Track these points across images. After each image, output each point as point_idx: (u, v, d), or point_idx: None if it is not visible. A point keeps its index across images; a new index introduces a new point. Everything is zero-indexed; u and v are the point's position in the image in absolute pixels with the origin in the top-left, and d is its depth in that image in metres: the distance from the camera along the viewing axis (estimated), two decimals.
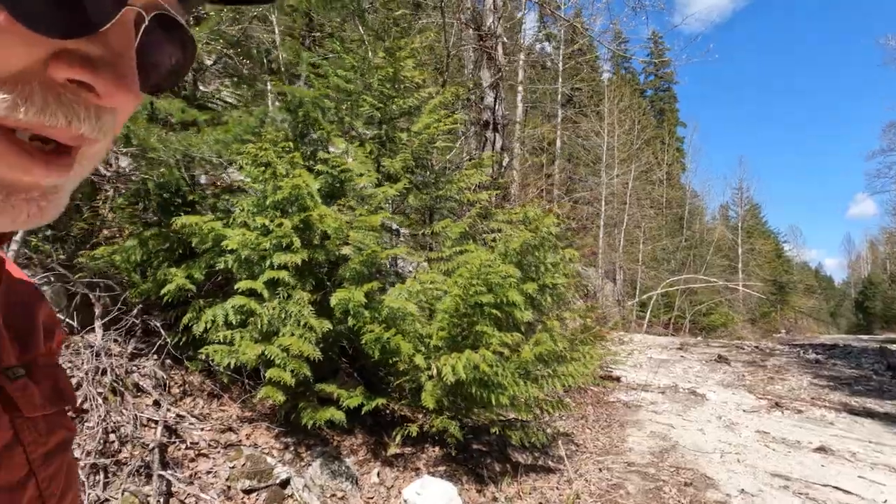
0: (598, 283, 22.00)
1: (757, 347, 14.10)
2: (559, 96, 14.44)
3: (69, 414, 0.47)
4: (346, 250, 3.51)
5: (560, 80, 14.40)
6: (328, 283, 3.63)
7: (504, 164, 7.53)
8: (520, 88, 11.44)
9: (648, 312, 20.78)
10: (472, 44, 7.60)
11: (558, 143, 15.23)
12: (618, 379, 8.83)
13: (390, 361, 3.53)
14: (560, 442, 4.53)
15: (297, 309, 2.76)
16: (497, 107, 7.38)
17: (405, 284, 3.45)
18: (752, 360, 11.65)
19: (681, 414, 6.60)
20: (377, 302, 3.28)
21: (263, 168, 2.91)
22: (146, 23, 0.30)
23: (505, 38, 7.98)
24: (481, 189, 5.05)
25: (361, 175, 3.68)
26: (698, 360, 11.73)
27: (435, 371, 3.20)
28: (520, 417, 3.73)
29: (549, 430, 4.76)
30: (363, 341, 3.05)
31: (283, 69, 4.30)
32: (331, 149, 4.27)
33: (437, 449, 4.16)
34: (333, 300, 3.05)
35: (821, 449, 5.04)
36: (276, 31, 4.84)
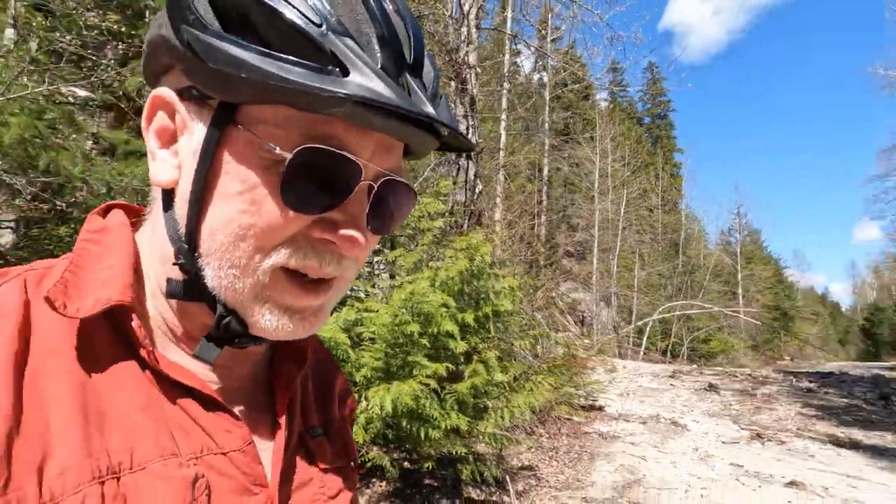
0: (593, 310, 21.81)
1: (750, 375, 13.79)
2: (545, 124, 14.63)
3: (352, 466, 0.60)
4: None
5: (547, 108, 14.62)
6: None
7: (477, 190, 7.55)
8: (503, 116, 11.60)
9: (645, 339, 20.48)
10: (443, 73, 7.74)
11: (545, 170, 15.35)
12: (601, 408, 8.63)
13: None
14: (512, 477, 4.38)
15: None
16: (470, 135, 7.46)
17: (342, 312, 3.40)
18: (743, 389, 11.37)
19: (657, 446, 6.40)
20: None
21: None
22: (375, 189, 0.43)
23: (478, 69, 8.12)
24: (438, 217, 5.04)
25: None
26: (689, 388, 11.47)
27: (365, 403, 3.12)
28: (455, 451, 3.61)
29: (507, 465, 4.61)
30: None
31: None
32: None
33: (383, 483, 4.03)
34: None
35: (793, 483, 4.84)
36: None
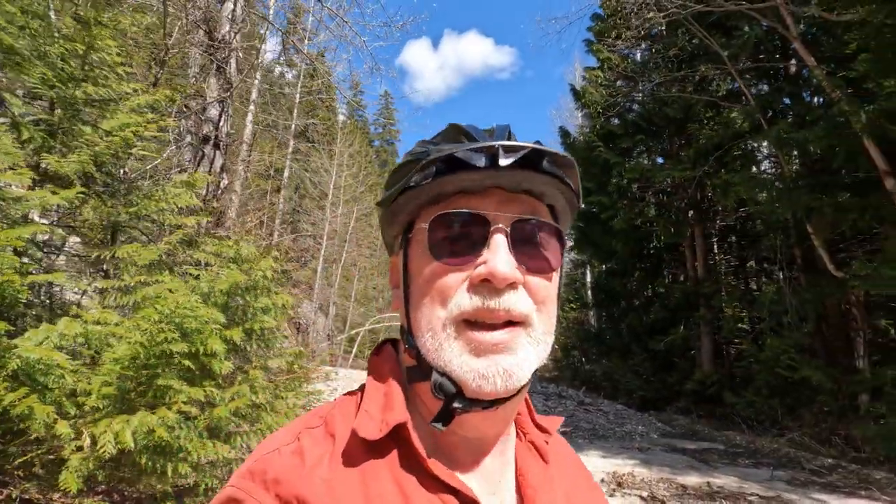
0: (311, 318, 21.97)
1: None
2: (293, 126, 14.22)
3: None
4: None
5: (296, 111, 14.24)
6: None
7: (222, 185, 6.80)
8: (251, 108, 10.75)
9: (356, 347, 21.80)
10: (200, 47, 6.77)
11: (286, 172, 14.86)
12: None
13: (20, 429, 2.56)
14: None
15: None
16: (222, 123, 6.69)
17: (58, 325, 2.61)
18: None
19: None
20: (1, 349, 2.36)
21: None
22: (508, 232, 0.53)
23: (240, 53, 7.41)
24: (189, 213, 4.38)
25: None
26: None
27: (88, 441, 2.47)
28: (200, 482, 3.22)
29: None
30: None
31: None
32: None
33: None
34: None
35: None
36: None
